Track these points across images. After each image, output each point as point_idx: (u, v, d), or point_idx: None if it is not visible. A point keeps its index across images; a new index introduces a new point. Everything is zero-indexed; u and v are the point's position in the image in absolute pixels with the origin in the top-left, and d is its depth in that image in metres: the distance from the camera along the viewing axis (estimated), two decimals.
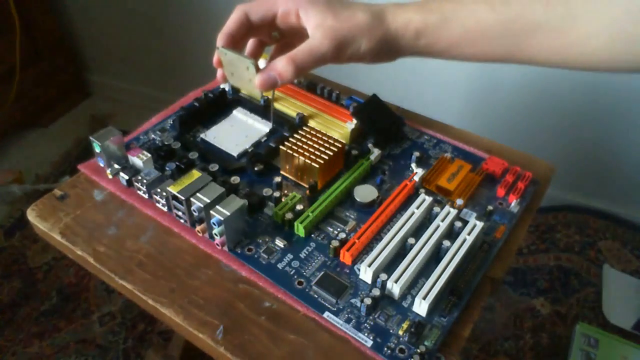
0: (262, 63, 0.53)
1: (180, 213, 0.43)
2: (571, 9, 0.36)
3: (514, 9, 0.37)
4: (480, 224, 0.42)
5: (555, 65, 0.39)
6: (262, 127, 0.53)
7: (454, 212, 0.43)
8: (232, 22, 0.42)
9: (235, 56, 0.42)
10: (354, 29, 0.40)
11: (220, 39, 0.43)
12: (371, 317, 0.37)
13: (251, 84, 0.42)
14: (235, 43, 0.43)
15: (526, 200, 0.47)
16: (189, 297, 0.39)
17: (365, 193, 0.46)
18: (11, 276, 1.07)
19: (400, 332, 0.37)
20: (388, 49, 0.41)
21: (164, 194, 0.43)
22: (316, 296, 0.39)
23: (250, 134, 0.52)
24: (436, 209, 0.44)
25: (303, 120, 0.53)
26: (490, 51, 0.40)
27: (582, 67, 0.38)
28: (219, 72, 0.45)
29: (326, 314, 0.38)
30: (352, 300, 0.38)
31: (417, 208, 0.44)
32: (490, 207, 0.45)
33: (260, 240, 0.42)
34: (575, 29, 0.36)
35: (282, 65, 0.39)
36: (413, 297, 0.38)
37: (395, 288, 0.38)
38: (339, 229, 0.44)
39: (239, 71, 0.43)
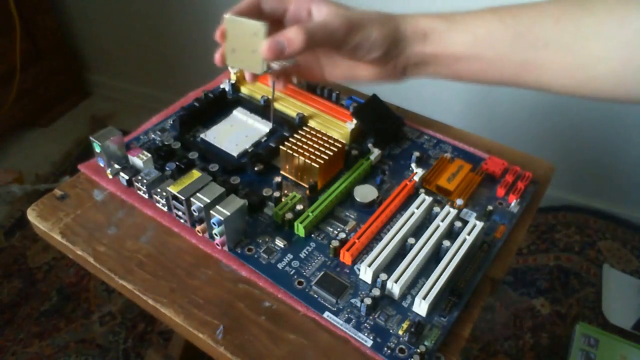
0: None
1: (180, 213, 0.43)
2: (582, 28, 0.35)
3: (523, 23, 0.37)
4: (480, 224, 0.42)
5: (562, 89, 0.39)
6: (262, 127, 0.53)
7: (453, 212, 0.43)
8: (244, 3, 0.41)
9: (246, 21, 0.39)
10: (366, 17, 0.40)
11: (229, 12, 0.40)
12: (371, 317, 0.37)
13: (254, 55, 0.39)
14: None
15: (526, 200, 0.47)
16: (189, 297, 0.39)
17: (365, 193, 0.46)
18: (11, 276, 1.07)
19: (400, 332, 0.37)
20: (396, 53, 0.41)
21: (164, 194, 0.43)
22: (316, 296, 0.39)
23: (250, 134, 0.52)
24: (436, 209, 0.44)
25: (303, 120, 0.53)
26: (498, 67, 0.39)
27: (590, 93, 0.37)
28: (218, 54, 0.42)
29: (326, 314, 0.38)
30: (352, 300, 0.38)
31: (417, 208, 0.44)
32: (490, 207, 0.45)
33: (260, 240, 0.42)
34: (585, 50, 0.35)
35: (293, 32, 0.37)
36: (413, 297, 0.38)
37: (395, 288, 0.38)
38: (339, 229, 0.44)
39: (243, 43, 0.40)
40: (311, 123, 0.53)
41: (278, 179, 0.46)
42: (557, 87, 0.39)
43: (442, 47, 0.40)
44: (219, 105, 0.55)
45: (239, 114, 0.55)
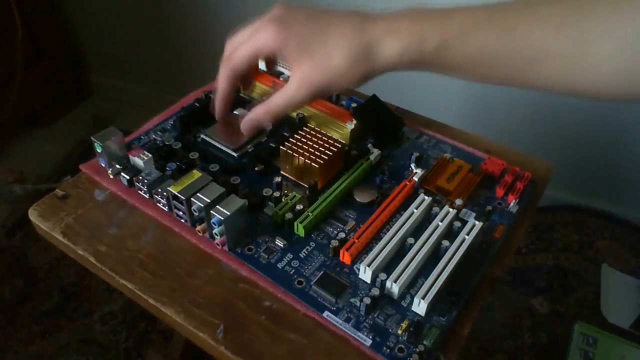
0: (262, 65, 0.53)
1: (180, 213, 0.43)
2: (584, 32, 0.33)
3: (520, 36, 0.35)
4: (479, 224, 0.42)
5: (563, 92, 0.37)
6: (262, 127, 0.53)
7: (453, 212, 0.43)
8: (222, 88, 0.46)
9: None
10: (331, 73, 0.40)
11: (218, 113, 0.49)
12: (370, 317, 0.38)
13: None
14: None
15: (525, 200, 0.47)
16: (190, 297, 0.39)
17: (364, 193, 0.46)
18: (13, 275, 1.08)
19: (400, 332, 0.37)
20: (374, 76, 0.41)
21: (165, 194, 0.44)
22: (316, 296, 0.39)
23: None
24: (435, 209, 0.44)
25: (303, 121, 0.53)
26: (489, 75, 0.39)
27: (592, 95, 0.36)
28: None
29: (326, 314, 0.38)
30: (352, 300, 0.39)
31: (417, 208, 0.44)
32: (489, 207, 0.45)
33: (261, 240, 0.43)
34: (588, 54, 0.34)
35: (261, 114, 0.45)
36: (412, 297, 0.39)
37: (394, 288, 0.38)
38: (338, 229, 0.44)
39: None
40: (311, 123, 0.53)
41: (278, 179, 0.46)
42: (554, 91, 0.38)
43: (431, 67, 0.39)
44: None
45: (239, 114, 0.55)
